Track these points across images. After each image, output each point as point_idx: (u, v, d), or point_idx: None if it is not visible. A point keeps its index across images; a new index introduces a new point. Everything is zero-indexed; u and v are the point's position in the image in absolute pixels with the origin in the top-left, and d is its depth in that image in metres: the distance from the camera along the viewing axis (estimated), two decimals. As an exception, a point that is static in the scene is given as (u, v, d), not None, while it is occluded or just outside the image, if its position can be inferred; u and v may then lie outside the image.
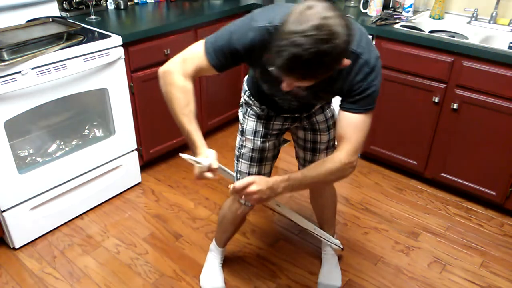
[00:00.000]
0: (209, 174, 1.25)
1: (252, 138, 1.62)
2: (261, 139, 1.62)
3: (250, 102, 1.61)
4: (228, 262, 2.07)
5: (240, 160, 1.67)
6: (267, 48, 1.12)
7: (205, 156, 1.27)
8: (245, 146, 1.64)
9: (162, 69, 1.32)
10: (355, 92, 1.24)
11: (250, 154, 1.64)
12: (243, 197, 1.28)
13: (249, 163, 1.65)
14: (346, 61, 1.09)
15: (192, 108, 1.29)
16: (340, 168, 1.27)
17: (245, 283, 1.97)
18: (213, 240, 2.00)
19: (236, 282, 1.98)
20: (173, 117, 1.31)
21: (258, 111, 1.60)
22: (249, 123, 1.63)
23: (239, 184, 1.24)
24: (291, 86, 1.12)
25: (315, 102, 1.53)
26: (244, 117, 1.65)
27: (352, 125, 1.27)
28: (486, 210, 2.46)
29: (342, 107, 1.29)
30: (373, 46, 1.25)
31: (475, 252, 2.18)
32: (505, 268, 2.08)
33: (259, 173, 1.66)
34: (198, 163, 1.24)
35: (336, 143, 1.70)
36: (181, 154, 1.27)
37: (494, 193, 2.35)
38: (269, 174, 1.71)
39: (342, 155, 1.27)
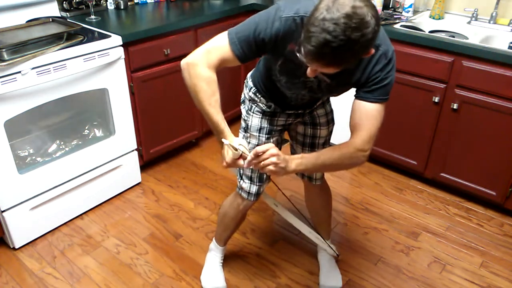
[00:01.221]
0: (241, 162, 1.30)
1: (257, 134, 1.63)
2: (266, 136, 1.63)
3: (256, 98, 1.61)
4: (228, 262, 2.07)
5: None
6: (293, 38, 1.19)
7: (238, 144, 1.32)
8: (249, 142, 1.64)
9: (185, 61, 1.34)
10: (372, 82, 1.26)
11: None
12: (261, 163, 1.25)
13: None
14: (372, 51, 1.11)
15: (217, 98, 1.33)
16: (354, 154, 1.28)
17: (245, 283, 1.97)
18: (213, 239, 2.00)
19: (236, 282, 1.98)
20: (199, 109, 1.35)
21: (263, 108, 1.60)
22: (254, 120, 1.63)
23: (260, 147, 1.24)
24: (315, 73, 1.15)
25: (330, 95, 1.52)
26: (248, 113, 1.64)
27: (368, 114, 1.28)
28: (486, 210, 2.46)
29: (358, 97, 1.30)
30: (388, 39, 1.28)
31: (475, 252, 2.18)
32: (505, 268, 2.08)
33: None
34: (236, 149, 1.29)
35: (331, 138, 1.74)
36: (223, 140, 1.33)
37: (494, 193, 2.35)
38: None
39: (357, 141, 1.28)
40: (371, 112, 1.28)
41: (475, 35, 2.40)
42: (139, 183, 2.63)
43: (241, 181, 1.71)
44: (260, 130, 1.63)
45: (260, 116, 1.62)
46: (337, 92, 1.40)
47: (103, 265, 2.05)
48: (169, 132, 2.71)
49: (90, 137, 2.39)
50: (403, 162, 2.64)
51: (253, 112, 1.63)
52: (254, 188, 1.70)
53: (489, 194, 2.37)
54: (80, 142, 2.33)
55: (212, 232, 2.26)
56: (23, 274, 2.00)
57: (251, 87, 1.63)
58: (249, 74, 1.67)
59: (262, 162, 1.25)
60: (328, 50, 1.02)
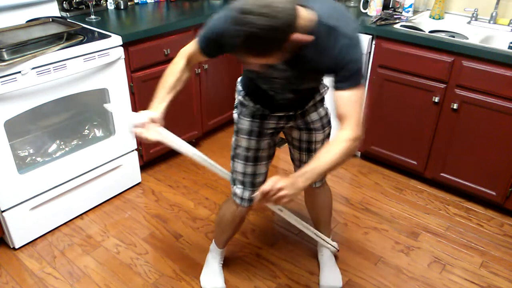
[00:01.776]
0: (136, 130, 1.31)
1: (247, 137, 1.63)
2: (256, 138, 1.63)
3: (245, 102, 1.62)
4: (228, 262, 2.07)
5: (236, 160, 1.67)
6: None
7: (136, 114, 1.34)
8: (240, 145, 1.65)
9: None
10: (342, 69, 1.25)
11: (245, 153, 1.64)
12: (272, 199, 1.23)
13: (244, 162, 1.64)
14: (304, 37, 1.11)
15: (169, 81, 1.42)
16: (350, 146, 1.28)
17: (245, 283, 1.97)
18: (213, 240, 2.00)
19: (236, 282, 1.98)
20: None
21: (253, 110, 1.61)
22: (244, 123, 1.63)
23: (266, 186, 1.22)
24: (257, 67, 1.18)
25: (307, 86, 1.49)
26: (239, 117, 1.66)
27: (350, 102, 1.28)
28: (486, 210, 2.46)
29: (335, 87, 1.30)
30: (350, 18, 1.28)
31: (475, 252, 2.18)
32: (505, 268, 2.08)
33: (254, 173, 1.65)
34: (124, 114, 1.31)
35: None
36: (104, 105, 1.38)
37: (494, 193, 2.35)
38: (264, 175, 1.70)
39: (348, 132, 1.28)
40: (351, 99, 1.28)
41: (475, 35, 2.40)
42: (139, 183, 2.63)
43: (234, 186, 1.70)
44: (250, 132, 1.63)
45: (250, 119, 1.62)
46: (313, 80, 1.38)
47: (103, 265, 2.05)
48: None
49: (90, 137, 2.39)
50: (403, 162, 2.64)
51: (243, 116, 1.64)
52: (247, 194, 1.68)
53: (489, 194, 2.37)
54: (80, 142, 2.33)
55: (212, 232, 2.26)
56: (23, 274, 2.00)
57: (240, 91, 1.64)
58: (239, 79, 1.69)
59: (273, 199, 1.23)
60: (247, 42, 1.04)
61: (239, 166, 1.65)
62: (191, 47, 1.43)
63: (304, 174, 1.26)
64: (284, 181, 1.22)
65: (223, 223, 1.85)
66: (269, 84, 1.46)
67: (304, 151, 1.72)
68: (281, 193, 1.21)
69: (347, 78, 1.26)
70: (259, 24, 1.02)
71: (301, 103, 1.58)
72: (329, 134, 1.73)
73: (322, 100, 1.67)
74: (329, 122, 1.71)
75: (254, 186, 1.67)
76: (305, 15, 1.16)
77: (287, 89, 1.47)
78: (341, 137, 1.28)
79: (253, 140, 1.63)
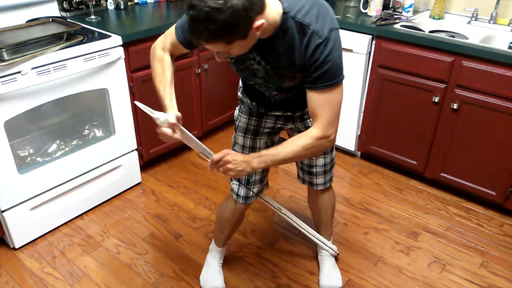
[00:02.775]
0: (167, 130, 1.30)
1: (243, 135, 1.63)
2: (252, 137, 1.63)
3: (243, 98, 1.62)
4: (228, 262, 2.06)
5: None
6: None
7: (162, 114, 1.34)
8: (237, 143, 1.66)
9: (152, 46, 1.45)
10: (312, 68, 1.22)
11: (241, 151, 1.65)
12: (220, 169, 1.30)
13: None
14: (256, 23, 1.08)
15: (168, 77, 1.40)
16: (314, 143, 1.28)
17: (245, 283, 1.97)
18: (213, 240, 1.99)
19: (236, 282, 1.98)
20: (154, 85, 1.42)
21: (250, 108, 1.61)
22: (242, 120, 1.63)
23: (216, 156, 1.29)
24: (219, 56, 1.19)
25: (289, 83, 1.39)
26: (238, 114, 1.66)
27: (319, 103, 1.26)
28: (486, 210, 2.46)
29: (306, 86, 1.28)
30: (329, 17, 1.22)
31: (475, 252, 2.18)
32: (505, 268, 2.08)
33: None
34: (152, 113, 1.31)
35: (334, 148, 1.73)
36: (135, 102, 1.37)
37: (494, 193, 2.35)
38: (260, 173, 1.69)
39: (314, 130, 1.28)
40: (323, 100, 1.26)
41: (475, 35, 2.40)
42: (139, 183, 2.63)
43: (231, 182, 1.71)
44: (246, 130, 1.63)
45: (247, 117, 1.62)
46: (288, 78, 1.34)
47: (103, 265, 2.05)
48: (169, 132, 2.71)
49: (90, 137, 2.39)
50: (403, 162, 2.64)
51: (241, 113, 1.64)
52: (242, 191, 1.69)
53: (489, 194, 2.37)
54: (80, 142, 2.33)
55: (212, 232, 2.26)
56: (23, 274, 2.00)
57: (240, 87, 1.64)
58: None
59: (220, 168, 1.29)
60: (197, 25, 1.03)
61: None
62: (168, 40, 1.43)
63: (260, 156, 1.29)
64: (236, 156, 1.27)
65: (222, 220, 1.85)
66: (251, 80, 1.45)
67: None
68: (229, 165, 1.26)
69: (318, 79, 1.23)
70: (212, 5, 0.99)
71: (295, 104, 1.55)
72: None
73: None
74: None
75: (249, 183, 1.67)
76: (275, 6, 1.16)
77: (270, 86, 1.45)
78: (308, 134, 1.29)
79: (248, 138, 1.63)
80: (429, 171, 2.56)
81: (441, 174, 2.50)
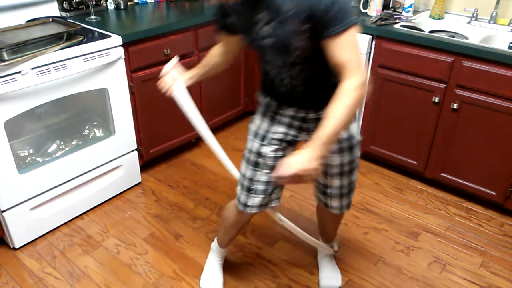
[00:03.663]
0: (167, 78, 1.57)
1: (252, 138, 1.57)
2: (259, 141, 1.53)
3: (259, 96, 1.56)
4: (228, 262, 2.06)
5: (242, 160, 1.61)
6: None
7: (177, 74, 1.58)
8: (246, 146, 1.59)
9: None
10: (324, 11, 1.16)
11: (248, 155, 1.57)
12: (292, 182, 1.21)
13: (245, 164, 1.57)
14: None
15: (208, 59, 1.61)
16: (358, 93, 1.19)
17: (245, 283, 1.97)
18: (215, 239, 1.99)
19: (236, 282, 1.98)
20: None
21: (264, 108, 1.54)
22: (254, 122, 1.58)
23: (279, 173, 1.20)
24: None
25: (292, 41, 1.27)
26: (253, 117, 1.61)
27: (343, 48, 1.19)
28: (486, 210, 2.46)
29: (322, 37, 1.20)
30: None
31: (475, 252, 2.18)
32: (505, 268, 2.08)
33: (251, 178, 1.54)
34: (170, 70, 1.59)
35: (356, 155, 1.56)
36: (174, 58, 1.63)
37: (494, 193, 2.35)
38: (265, 184, 1.54)
39: (351, 81, 1.19)
40: (344, 43, 1.18)
41: (475, 35, 2.40)
42: (139, 183, 2.63)
43: (238, 187, 1.61)
44: (255, 134, 1.55)
45: (260, 120, 1.56)
46: (295, 34, 1.24)
47: (103, 265, 2.05)
48: (169, 132, 2.71)
49: (90, 137, 2.39)
50: (403, 162, 2.64)
51: (257, 115, 1.59)
52: (243, 197, 1.58)
53: (489, 194, 2.37)
54: (80, 142, 2.33)
55: (212, 232, 2.26)
56: (23, 274, 2.00)
57: (260, 85, 1.57)
58: None
59: (294, 182, 1.20)
60: None
61: (242, 165, 1.60)
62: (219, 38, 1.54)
63: (313, 146, 1.20)
64: (298, 162, 1.17)
65: (228, 224, 1.78)
66: (263, 57, 1.40)
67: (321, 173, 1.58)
68: (300, 174, 1.17)
69: (331, 22, 1.16)
70: None
71: (307, 96, 1.43)
72: (351, 162, 1.54)
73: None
74: (351, 148, 1.51)
75: (250, 191, 1.56)
76: None
77: (280, 63, 1.36)
78: (346, 88, 1.19)
79: (256, 142, 1.54)
80: (429, 171, 2.56)
81: (441, 174, 2.50)
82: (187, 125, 2.83)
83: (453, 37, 2.38)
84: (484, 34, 2.41)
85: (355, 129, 1.53)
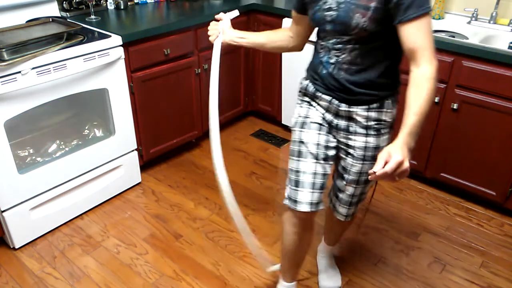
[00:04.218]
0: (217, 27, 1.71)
1: (293, 129, 1.53)
2: (299, 129, 1.49)
3: (301, 83, 1.53)
4: (228, 262, 2.07)
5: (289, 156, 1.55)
6: None
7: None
8: (291, 141, 1.54)
9: None
10: None
11: (292, 146, 1.51)
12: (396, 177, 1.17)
13: (290, 156, 1.51)
14: None
15: (267, 34, 1.62)
16: (433, 83, 1.21)
17: (245, 283, 1.97)
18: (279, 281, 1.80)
19: (236, 282, 1.98)
20: None
21: (302, 94, 1.52)
22: (295, 113, 1.55)
23: (380, 169, 1.14)
24: None
25: (354, 17, 1.25)
26: (294, 110, 1.58)
27: (418, 33, 1.20)
28: (486, 210, 2.46)
29: (401, 20, 1.20)
30: None
31: (475, 252, 2.18)
32: (505, 268, 2.08)
33: (297, 171, 1.47)
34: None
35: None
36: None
37: (494, 193, 2.35)
38: (312, 176, 1.46)
39: (427, 68, 1.21)
40: (420, 28, 1.19)
41: (475, 35, 2.40)
42: (139, 183, 2.63)
43: (286, 185, 1.53)
44: (295, 123, 1.52)
45: (298, 107, 1.53)
46: (361, 8, 1.23)
47: (103, 265, 2.05)
48: (169, 132, 2.71)
49: (90, 137, 2.39)
50: (403, 162, 2.64)
51: (296, 107, 1.55)
52: (288, 190, 1.51)
53: (489, 194, 2.37)
54: (80, 142, 2.33)
55: (212, 232, 2.26)
56: (23, 274, 2.00)
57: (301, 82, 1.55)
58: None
59: (398, 176, 1.16)
60: None
61: (289, 161, 1.53)
62: (291, 21, 1.54)
63: (407, 131, 1.22)
64: (398, 154, 1.14)
65: (285, 245, 1.66)
66: (322, 27, 1.35)
67: (338, 175, 1.57)
68: (403, 168, 1.15)
69: (410, 5, 1.17)
70: None
71: (348, 84, 1.37)
72: (367, 173, 1.39)
73: (379, 131, 1.44)
74: (374, 158, 1.39)
75: (297, 185, 1.47)
76: None
77: (334, 38, 1.33)
78: (424, 76, 1.21)
79: (296, 131, 1.50)
80: (429, 171, 2.56)
81: (441, 174, 2.50)
82: (187, 125, 2.85)
83: (453, 37, 2.38)
84: (484, 34, 2.41)
85: (387, 141, 1.47)
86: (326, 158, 1.48)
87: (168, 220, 2.35)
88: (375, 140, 1.44)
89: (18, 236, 2.11)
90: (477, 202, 2.51)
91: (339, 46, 1.34)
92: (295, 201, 1.49)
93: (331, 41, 1.35)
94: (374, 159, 1.40)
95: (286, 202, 1.53)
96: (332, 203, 1.69)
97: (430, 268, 2.08)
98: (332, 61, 1.37)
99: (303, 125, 1.49)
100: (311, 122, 1.48)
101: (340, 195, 1.60)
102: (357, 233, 2.24)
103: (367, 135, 1.44)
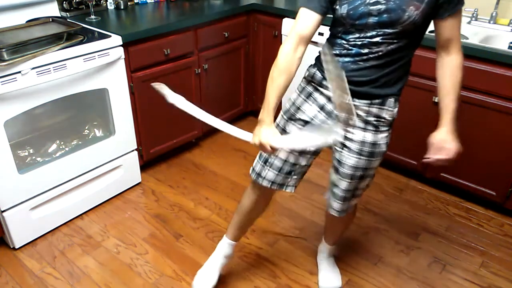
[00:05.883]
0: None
1: (282, 113, 1.57)
2: (286, 118, 1.54)
3: (308, 68, 1.52)
4: (228, 262, 2.06)
5: None
6: None
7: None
8: (276, 120, 1.55)
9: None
10: None
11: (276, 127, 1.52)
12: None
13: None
14: None
15: (285, 84, 1.39)
16: (462, 71, 1.36)
17: (245, 283, 1.97)
18: (222, 238, 1.88)
19: (236, 282, 1.98)
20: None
21: (306, 81, 1.52)
22: (291, 97, 1.55)
23: (434, 157, 1.44)
24: None
25: (407, 10, 1.26)
26: (293, 92, 1.57)
27: (456, 25, 1.32)
28: (486, 210, 2.46)
29: (450, 14, 1.29)
30: None
31: (475, 252, 2.18)
32: (505, 268, 2.08)
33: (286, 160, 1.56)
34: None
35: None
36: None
37: (494, 193, 2.35)
38: (281, 162, 1.57)
39: (456, 57, 1.36)
40: (456, 22, 1.32)
41: (475, 35, 2.40)
42: (139, 183, 2.63)
43: (256, 157, 1.64)
44: (286, 111, 1.54)
45: (298, 92, 1.54)
46: (415, 1, 1.24)
47: (103, 265, 2.05)
48: (169, 132, 2.71)
49: (90, 137, 2.39)
50: (403, 162, 2.64)
51: (296, 90, 1.55)
52: (258, 167, 1.61)
53: (489, 194, 2.37)
54: (80, 142, 2.33)
55: (212, 232, 2.26)
56: (23, 274, 2.00)
57: (310, 66, 1.53)
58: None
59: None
60: None
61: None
62: (301, 24, 1.34)
63: (452, 122, 1.41)
64: (453, 145, 1.40)
65: (242, 208, 1.75)
66: (361, 19, 1.30)
67: (334, 169, 1.57)
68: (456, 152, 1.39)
69: (451, 2, 1.27)
70: None
71: (358, 78, 1.38)
72: (367, 168, 1.50)
73: (378, 127, 1.47)
74: (372, 154, 1.47)
75: (266, 163, 1.59)
76: None
77: (374, 32, 1.31)
78: (458, 65, 1.35)
79: (284, 118, 1.56)
80: (429, 171, 2.56)
81: (441, 174, 2.50)
82: (187, 125, 2.85)
83: (453, 37, 2.38)
84: (484, 34, 2.41)
85: (385, 139, 1.50)
86: (302, 152, 1.55)
87: (168, 220, 2.35)
88: (373, 136, 1.46)
89: (18, 236, 2.11)
90: (477, 202, 2.51)
91: (377, 39, 1.31)
92: (259, 175, 1.62)
93: (368, 34, 1.32)
94: (371, 155, 1.47)
95: (252, 174, 1.65)
96: (328, 200, 1.67)
97: (430, 268, 2.08)
98: (364, 51, 1.35)
99: (291, 116, 1.53)
100: (299, 118, 1.51)
101: (335, 190, 1.59)
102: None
103: (365, 129, 1.46)
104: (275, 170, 1.58)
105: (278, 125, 1.56)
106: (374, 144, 1.47)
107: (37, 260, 2.07)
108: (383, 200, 2.53)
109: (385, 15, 1.27)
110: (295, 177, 1.62)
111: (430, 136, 1.47)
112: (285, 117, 1.55)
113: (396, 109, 1.51)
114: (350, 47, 1.36)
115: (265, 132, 1.37)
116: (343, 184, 1.55)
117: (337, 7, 1.33)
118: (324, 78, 1.45)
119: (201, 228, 2.30)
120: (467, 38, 2.37)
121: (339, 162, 1.52)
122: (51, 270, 2.02)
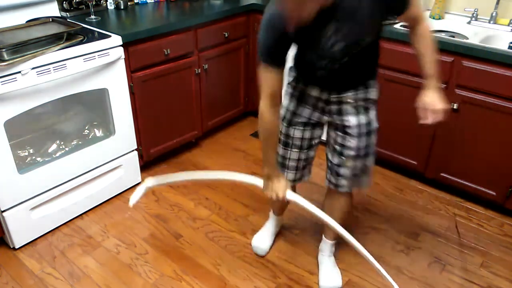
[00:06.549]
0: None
1: (281, 121, 1.70)
2: (286, 125, 1.69)
3: (290, 72, 1.65)
4: (228, 262, 2.07)
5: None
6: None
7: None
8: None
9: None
10: None
11: (279, 135, 1.71)
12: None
13: (279, 144, 1.73)
14: None
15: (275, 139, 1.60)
16: (430, 30, 1.50)
17: (245, 283, 1.97)
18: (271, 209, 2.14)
19: (236, 282, 1.98)
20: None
21: (291, 88, 1.66)
22: (283, 104, 1.68)
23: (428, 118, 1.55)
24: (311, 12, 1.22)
25: (365, 38, 1.40)
26: (283, 99, 1.68)
27: (416, 7, 1.42)
28: (486, 210, 2.46)
29: (399, 14, 1.41)
30: None
31: (475, 252, 2.18)
32: (505, 268, 2.08)
33: (283, 156, 1.75)
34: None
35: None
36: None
37: (494, 193, 2.35)
38: (296, 161, 1.74)
39: (427, 22, 1.49)
40: (414, 7, 1.41)
41: (475, 35, 2.40)
42: (139, 183, 2.63)
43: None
44: (283, 118, 1.68)
45: (288, 98, 1.67)
46: (370, 27, 1.37)
47: (103, 265, 2.05)
48: (169, 132, 2.71)
49: (90, 137, 2.39)
50: (403, 162, 2.64)
51: (285, 95, 1.67)
52: (289, 176, 1.77)
53: (489, 194, 2.37)
54: (80, 142, 2.33)
55: (212, 232, 2.26)
56: (23, 274, 2.00)
57: (291, 67, 1.65)
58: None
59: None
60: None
61: (279, 148, 1.75)
62: (268, 84, 1.44)
63: (435, 77, 1.53)
64: (439, 102, 1.53)
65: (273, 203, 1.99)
66: (315, 55, 1.45)
67: (336, 153, 1.68)
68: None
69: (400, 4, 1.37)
70: None
71: (342, 80, 1.53)
72: (367, 146, 1.66)
73: (367, 108, 1.62)
74: (369, 133, 1.64)
75: (283, 167, 1.76)
76: None
77: (341, 55, 1.41)
78: (427, 28, 1.48)
79: (284, 126, 1.70)
80: (429, 171, 2.56)
81: (441, 174, 2.50)
82: (187, 125, 2.85)
83: (453, 37, 2.38)
84: (484, 34, 2.41)
85: (375, 116, 1.66)
86: (310, 146, 1.73)
87: (168, 220, 2.35)
88: (365, 117, 1.62)
89: (18, 236, 2.11)
90: (477, 202, 2.51)
91: (345, 59, 1.44)
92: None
93: (337, 59, 1.44)
94: (368, 134, 1.64)
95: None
96: (333, 184, 1.76)
97: (430, 268, 2.08)
98: (336, 66, 1.46)
99: (290, 122, 1.68)
100: (298, 121, 1.67)
101: (341, 171, 1.70)
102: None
103: (357, 113, 1.61)
104: (292, 171, 1.77)
105: (281, 132, 1.71)
106: (368, 123, 1.63)
107: (37, 260, 2.07)
108: (383, 200, 2.53)
109: (346, 50, 1.39)
110: (309, 166, 1.82)
111: (418, 100, 1.58)
112: (285, 124, 1.70)
113: (377, 86, 1.66)
114: (322, 67, 1.48)
115: (277, 187, 1.64)
116: (350, 163, 1.67)
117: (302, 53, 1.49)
118: (308, 84, 1.59)
119: (201, 228, 2.30)
120: (467, 38, 2.37)
121: (342, 145, 1.65)
122: (51, 270, 2.02)
